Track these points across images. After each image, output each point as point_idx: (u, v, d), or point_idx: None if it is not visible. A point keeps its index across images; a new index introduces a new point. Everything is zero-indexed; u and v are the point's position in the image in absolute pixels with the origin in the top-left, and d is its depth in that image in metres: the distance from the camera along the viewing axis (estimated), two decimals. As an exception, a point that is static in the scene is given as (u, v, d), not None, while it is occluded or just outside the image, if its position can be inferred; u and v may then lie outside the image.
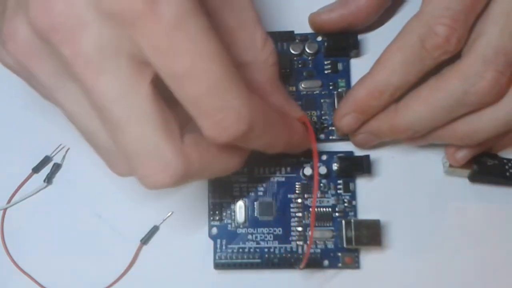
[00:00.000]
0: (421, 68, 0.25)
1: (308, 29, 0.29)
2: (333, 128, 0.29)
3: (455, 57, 0.25)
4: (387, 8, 0.29)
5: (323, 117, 0.29)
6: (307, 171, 0.28)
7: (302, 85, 0.29)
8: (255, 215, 0.28)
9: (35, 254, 0.29)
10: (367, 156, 0.28)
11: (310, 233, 0.28)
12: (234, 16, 0.22)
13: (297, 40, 0.29)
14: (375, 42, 0.30)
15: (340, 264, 0.28)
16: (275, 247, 0.28)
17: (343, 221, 0.28)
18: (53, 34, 0.18)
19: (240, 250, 0.28)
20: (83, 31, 0.18)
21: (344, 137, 0.29)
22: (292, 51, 0.29)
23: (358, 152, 0.29)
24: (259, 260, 0.28)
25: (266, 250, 0.28)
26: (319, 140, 0.29)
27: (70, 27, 0.18)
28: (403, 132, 0.26)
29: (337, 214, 0.28)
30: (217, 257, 0.28)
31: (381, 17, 0.29)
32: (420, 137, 0.27)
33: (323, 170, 0.28)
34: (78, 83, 0.19)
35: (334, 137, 0.29)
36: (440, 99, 0.24)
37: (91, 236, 0.29)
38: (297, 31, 0.29)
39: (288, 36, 0.29)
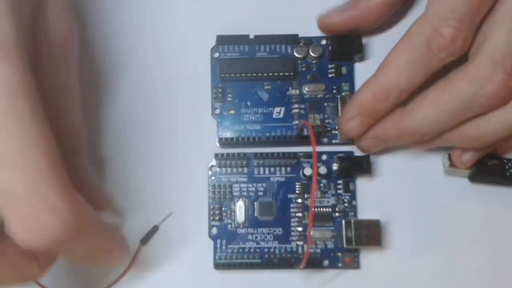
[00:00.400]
0: (427, 70, 0.25)
1: (312, 33, 0.29)
2: (336, 132, 0.29)
3: (462, 60, 0.25)
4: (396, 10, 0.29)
5: (326, 121, 0.29)
6: (307, 171, 0.28)
7: (306, 89, 0.29)
8: (255, 215, 0.28)
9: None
10: (367, 156, 0.28)
11: (310, 233, 0.28)
12: (57, 90, 0.21)
13: (301, 44, 0.29)
14: (379, 46, 0.30)
15: (340, 264, 0.28)
16: (275, 247, 0.28)
17: (343, 221, 0.28)
18: None
19: (240, 250, 0.28)
20: None
21: (348, 141, 0.29)
22: (296, 55, 0.29)
23: (358, 152, 0.29)
24: (259, 260, 0.28)
25: (266, 250, 0.28)
26: (322, 144, 0.29)
27: None
28: (410, 136, 0.26)
29: (337, 214, 0.28)
30: (217, 257, 0.28)
31: (386, 21, 0.29)
32: (428, 140, 0.26)
33: (323, 170, 0.28)
34: None
35: (337, 141, 0.29)
36: (448, 102, 0.24)
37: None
38: (301, 34, 0.29)
39: (292, 39, 0.29)
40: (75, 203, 0.18)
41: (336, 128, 0.29)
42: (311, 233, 0.28)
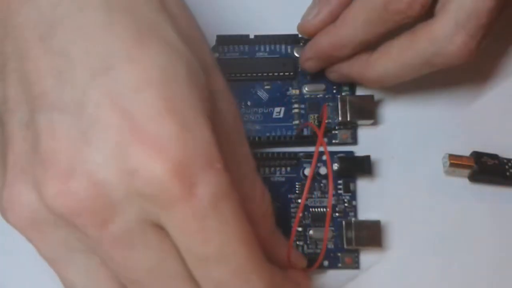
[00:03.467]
0: (383, 30, 0.25)
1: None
2: (337, 132, 0.29)
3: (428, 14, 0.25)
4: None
5: (326, 120, 0.29)
6: (307, 171, 0.28)
7: (306, 89, 0.29)
8: (255, 215, 0.28)
9: (35, 253, 0.29)
10: (368, 157, 0.28)
11: (310, 233, 0.28)
12: (236, 167, 0.21)
13: (301, 43, 0.29)
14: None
15: (340, 265, 0.28)
16: (275, 247, 0.28)
17: (343, 222, 0.28)
18: (76, 218, 0.17)
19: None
20: (111, 214, 0.17)
21: (348, 142, 0.29)
22: (296, 54, 0.29)
23: (359, 153, 0.29)
24: (259, 260, 0.28)
25: (266, 250, 0.28)
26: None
27: (96, 211, 0.17)
28: (371, 84, 0.27)
29: (337, 214, 0.28)
30: (217, 257, 0.28)
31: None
32: None
33: (323, 170, 0.28)
34: (99, 257, 0.18)
35: (337, 141, 0.29)
36: (409, 58, 0.25)
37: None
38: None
39: (293, 39, 0.29)
40: (272, 278, 0.19)
41: (337, 128, 0.29)
42: (311, 233, 0.28)
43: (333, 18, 0.27)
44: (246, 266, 0.18)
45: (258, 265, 0.19)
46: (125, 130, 0.16)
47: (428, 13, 0.25)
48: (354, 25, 0.26)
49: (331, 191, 0.28)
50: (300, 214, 0.28)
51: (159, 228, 0.17)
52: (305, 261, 0.26)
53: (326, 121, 0.29)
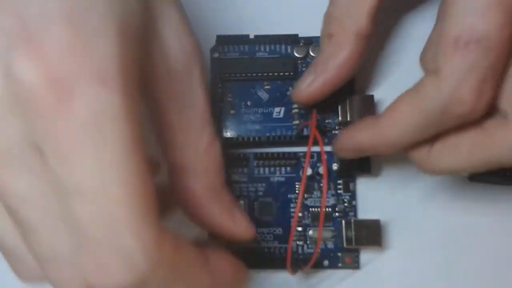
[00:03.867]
0: (438, 131, 0.22)
1: (312, 33, 0.29)
2: (336, 132, 0.29)
3: None
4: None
5: (326, 120, 0.29)
6: (308, 171, 0.28)
7: (306, 89, 0.29)
8: (255, 215, 0.28)
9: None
10: (367, 156, 0.28)
11: (309, 233, 0.28)
12: (178, 113, 0.20)
13: (301, 43, 0.29)
14: (379, 46, 0.30)
15: (340, 264, 0.28)
16: (275, 247, 0.28)
17: (343, 221, 0.28)
18: None
19: (240, 250, 0.28)
20: None
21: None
22: (296, 54, 0.29)
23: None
24: (259, 260, 0.28)
25: (266, 250, 0.28)
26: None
27: None
28: (429, 173, 0.24)
29: (337, 214, 0.28)
30: (217, 257, 0.28)
31: (384, 20, 0.29)
32: None
33: (323, 170, 0.28)
34: None
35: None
36: (484, 158, 0.22)
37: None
38: (301, 34, 0.29)
39: (293, 39, 0.29)
40: (158, 248, 0.17)
41: (336, 128, 0.29)
42: (310, 233, 0.28)
43: (330, 88, 0.26)
44: (119, 214, 0.15)
45: (138, 220, 0.16)
46: (14, 32, 0.15)
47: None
48: (402, 129, 0.22)
49: (325, 190, 0.28)
50: (300, 214, 0.28)
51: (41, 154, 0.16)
52: (252, 231, 0.23)
53: (326, 121, 0.29)
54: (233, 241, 0.23)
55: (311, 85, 0.26)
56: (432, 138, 0.23)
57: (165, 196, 0.21)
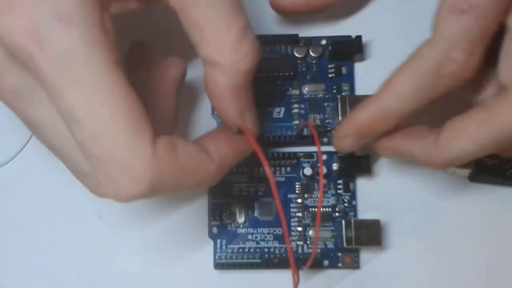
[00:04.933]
0: (432, 97, 0.23)
1: (312, 33, 0.29)
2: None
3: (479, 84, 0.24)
4: (389, 9, 0.28)
5: (326, 121, 0.29)
6: (307, 171, 0.28)
7: (306, 89, 0.29)
8: (255, 215, 0.28)
9: (34, 254, 0.29)
10: (367, 156, 0.28)
11: (309, 233, 0.28)
12: (201, 11, 0.21)
13: (301, 44, 0.29)
14: (379, 46, 0.30)
15: (340, 264, 0.28)
16: (275, 247, 0.28)
17: (343, 221, 0.27)
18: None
19: (240, 250, 0.28)
20: None
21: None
22: (296, 55, 0.29)
23: (358, 152, 0.29)
24: (259, 260, 0.28)
25: (266, 250, 0.28)
26: (322, 144, 0.29)
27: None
28: (441, 166, 0.24)
29: (337, 214, 0.28)
30: (217, 257, 0.28)
31: (386, 21, 0.29)
32: None
33: (323, 170, 0.28)
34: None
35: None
36: (492, 135, 0.22)
37: (91, 236, 0.29)
38: (301, 34, 0.29)
39: (292, 39, 0.29)
40: (153, 156, 0.19)
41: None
42: (310, 233, 0.28)
43: (308, 5, 0.27)
44: (112, 132, 0.18)
45: (128, 134, 0.18)
46: None
47: (481, 78, 0.23)
48: (400, 95, 0.23)
49: (321, 191, 0.28)
50: (300, 214, 0.28)
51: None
52: (257, 128, 0.24)
53: (326, 121, 0.29)
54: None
55: None
56: (434, 132, 0.24)
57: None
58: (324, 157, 0.29)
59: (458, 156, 0.23)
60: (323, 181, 0.27)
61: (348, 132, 0.25)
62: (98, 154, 0.18)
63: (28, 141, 0.30)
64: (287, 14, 0.29)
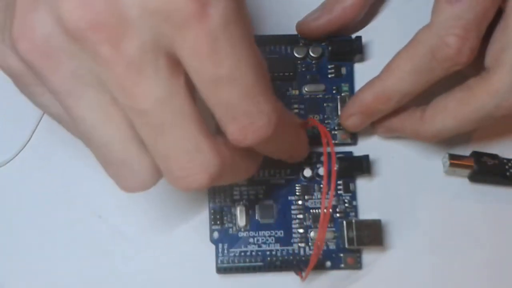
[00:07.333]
0: (431, 78, 0.25)
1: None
2: (336, 132, 0.29)
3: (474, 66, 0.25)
4: (389, 9, 0.29)
5: (326, 121, 0.29)
6: (307, 172, 0.28)
7: (306, 89, 0.29)
8: (256, 218, 0.28)
9: (34, 254, 0.28)
10: (367, 156, 0.28)
11: (311, 234, 0.28)
12: None
13: (301, 44, 0.29)
14: (379, 47, 0.30)
15: (342, 265, 0.28)
16: (277, 250, 0.28)
17: (344, 222, 0.28)
18: (92, 33, 0.16)
19: (242, 253, 0.28)
20: (126, 31, 0.16)
21: (347, 142, 0.29)
22: (296, 55, 0.29)
23: (358, 153, 0.29)
24: (261, 263, 0.28)
25: (268, 253, 0.28)
26: (321, 144, 0.28)
27: (113, 26, 0.16)
28: (427, 139, 0.27)
29: (338, 215, 0.28)
30: (219, 261, 0.28)
31: (386, 21, 0.29)
32: None
33: (322, 171, 0.28)
34: (109, 87, 0.18)
35: (337, 141, 0.29)
36: (469, 113, 0.25)
37: (91, 236, 0.28)
38: (301, 34, 0.29)
39: (292, 40, 0.29)
40: (278, 109, 0.20)
41: (336, 128, 0.29)
42: (312, 234, 0.28)
43: (330, 28, 0.28)
44: (254, 88, 0.18)
45: (265, 90, 0.19)
46: None
47: (475, 63, 0.25)
48: (400, 76, 0.25)
49: (324, 192, 0.27)
50: (301, 216, 0.28)
51: (173, 59, 0.18)
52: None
53: (326, 122, 0.29)
54: None
55: (316, 20, 0.28)
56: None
57: None
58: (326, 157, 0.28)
59: (441, 131, 0.26)
60: (334, 177, 0.27)
61: (353, 111, 0.27)
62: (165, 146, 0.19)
63: (28, 141, 0.29)
64: (314, 38, 0.29)
